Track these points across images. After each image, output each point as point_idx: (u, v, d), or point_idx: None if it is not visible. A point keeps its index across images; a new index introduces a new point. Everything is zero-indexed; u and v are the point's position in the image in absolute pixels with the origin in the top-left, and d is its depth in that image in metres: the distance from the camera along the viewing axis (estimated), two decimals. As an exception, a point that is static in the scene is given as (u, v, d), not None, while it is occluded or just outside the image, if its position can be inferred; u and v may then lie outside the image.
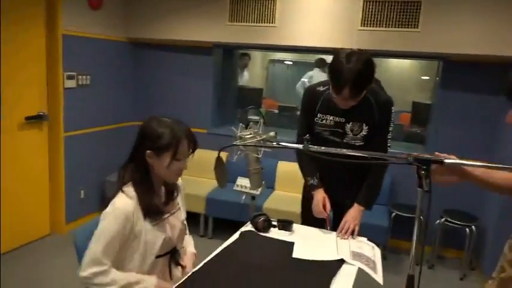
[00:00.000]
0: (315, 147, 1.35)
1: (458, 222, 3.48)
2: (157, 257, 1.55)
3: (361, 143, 2.07)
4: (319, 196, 2.14)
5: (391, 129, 2.05)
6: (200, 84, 4.38)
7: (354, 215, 2.09)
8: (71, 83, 3.66)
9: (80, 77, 3.76)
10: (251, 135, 1.70)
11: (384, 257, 3.60)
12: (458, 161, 1.32)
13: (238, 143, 1.66)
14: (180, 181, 1.73)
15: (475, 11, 3.25)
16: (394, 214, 3.65)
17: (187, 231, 1.82)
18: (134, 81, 4.55)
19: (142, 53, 4.51)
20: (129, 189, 1.50)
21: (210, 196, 3.85)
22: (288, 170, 3.98)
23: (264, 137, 1.67)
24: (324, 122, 2.09)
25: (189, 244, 1.83)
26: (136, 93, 4.57)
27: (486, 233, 3.54)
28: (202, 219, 3.91)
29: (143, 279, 1.47)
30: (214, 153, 1.65)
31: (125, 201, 1.46)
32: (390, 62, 7.79)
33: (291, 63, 8.29)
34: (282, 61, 8.48)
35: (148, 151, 1.48)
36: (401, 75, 7.63)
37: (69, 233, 3.71)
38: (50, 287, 2.95)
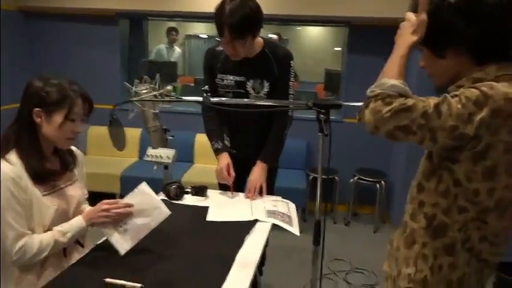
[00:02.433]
0: (215, 99, 1.29)
1: (370, 179, 3.70)
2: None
3: None
4: (224, 162, 2.07)
5: (291, 83, 2.02)
6: (106, 58, 4.10)
7: (258, 173, 2.05)
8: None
9: (-39, 50, 3.30)
10: (147, 90, 1.59)
11: (303, 220, 3.74)
12: (356, 103, 1.34)
13: (133, 99, 1.54)
14: (79, 152, 1.59)
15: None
16: (311, 177, 3.77)
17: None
18: (30, 56, 4.11)
19: (38, 24, 4.08)
20: (12, 156, 1.35)
21: (125, 174, 3.67)
22: (207, 142, 3.88)
23: (161, 91, 1.57)
24: (225, 82, 2.03)
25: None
26: (33, 69, 4.12)
27: (394, 187, 3.81)
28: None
29: (71, 226, 1.41)
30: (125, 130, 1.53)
31: (5, 166, 1.31)
32: (306, 35, 7.98)
33: (207, 37, 8.12)
34: (198, 36, 8.27)
35: (36, 109, 1.34)
36: (316, 47, 7.85)
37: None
38: None
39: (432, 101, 0.94)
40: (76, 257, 1.47)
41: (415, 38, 1.01)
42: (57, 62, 4.14)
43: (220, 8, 1.76)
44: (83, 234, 1.50)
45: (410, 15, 1.04)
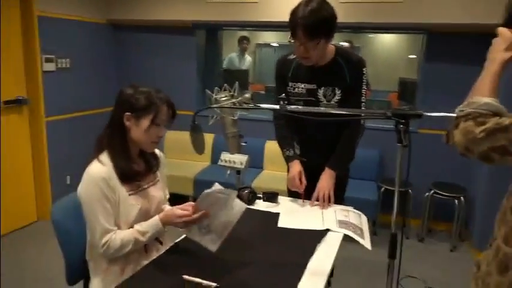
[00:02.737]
0: (292, 107, 1.31)
1: (447, 194, 3.48)
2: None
3: None
4: (295, 170, 2.06)
5: (364, 91, 1.97)
6: (184, 66, 4.31)
7: (325, 180, 2.01)
8: (49, 66, 3.57)
9: (60, 60, 3.68)
10: (226, 98, 1.65)
11: (374, 233, 3.61)
12: (437, 113, 1.29)
13: (213, 106, 1.61)
14: (161, 155, 1.71)
15: (459, -20, 3.21)
16: (383, 189, 3.64)
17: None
18: (116, 64, 4.46)
19: (123, 35, 4.42)
20: (104, 156, 1.48)
21: (198, 177, 3.82)
22: (277, 149, 3.92)
23: (239, 98, 1.62)
24: (296, 90, 2.02)
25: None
26: (119, 76, 4.48)
27: (474, 204, 3.55)
28: (191, 201, 3.87)
29: (150, 227, 1.48)
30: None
31: (97, 167, 1.44)
32: (378, 42, 7.76)
33: (277, 45, 8.21)
34: (268, 44, 8.40)
35: (127, 113, 1.46)
36: (389, 55, 7.60)
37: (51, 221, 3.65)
38: (37, 273, 2.91)
39: None
40: (155, 254, 1.56)
41: (509, 54, 0.96)
42: (139, 70, 4.45)
43: (296, 9, 1.78)
44: (161, 234, 1.58)
45: (504, 31, 0.98)
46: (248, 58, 6.20)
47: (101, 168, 1.44)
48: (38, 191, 3.70)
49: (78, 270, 1.60)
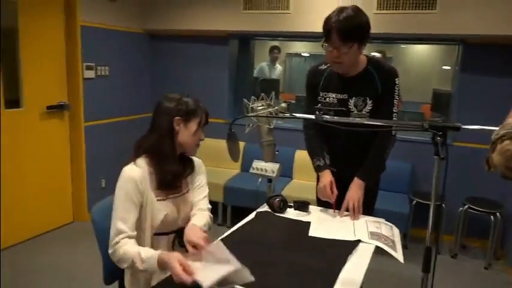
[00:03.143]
0: (327, 117, 1.33)
1: (482, 210, 3.38)
2: (160, 234, 1.55)
3: None
4: (326, 179, 2.05)
5: (396, 101, 1.96)
6: (217, 75, 4.40)
7: (354, 190, 2.00)
8: (90, 74, 3.72)
9: (99, 67, 3.83)
10: (263, 107, 1.68)
11: (405, 247, 3.54)
12: (475, 126, 1.28)
13: (250, 115, 1.65)
14: (200, 162, 1.74)
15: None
16: (415, 202, 3.57)
17: (207, 213, 1.71)
18: (152, 72, 4.61)
19: (159, 44, 4.56)
20: (141, 160, 1.53)
21: (229, 184, 3.87)
22: (306, 159, 3.92)
23: (275, 108, 1.66)
24: (327, 100, 2.03)
25: (197, 219, 1.61)
26: (154, 84, 4.62)
27: (511, 220, 3.42)
28: (221, 208, 3.93)
29: (148, 257, 1.36)
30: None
31: (132, 168, 1.50)
32: (412, 53, 7.65)
33: (308, 55, 8.24)
34: (299, 54, 8.44)
35: (177, 117, 1.53)
36: (422, 65, 7.48)
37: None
38: (73, 272, 3.02)
39: None
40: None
41: None
42: (173, 79, 4.57)
43: (331, 15, 1.82)
44: (156, 271, 1.42)
45: None
46: (279, 67, 6.25)
47: (134, 169, 1.50)
48: (75, 193, 3.85)
49: (114, 270, 1.62)
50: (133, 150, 1.57)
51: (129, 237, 1.44)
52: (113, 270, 1.62)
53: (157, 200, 1.52)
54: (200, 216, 1.64)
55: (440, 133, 1.21)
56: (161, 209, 1.52)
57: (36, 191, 3.47)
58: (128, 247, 1.41)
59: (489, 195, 3.56)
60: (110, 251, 1.45)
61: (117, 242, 1.42)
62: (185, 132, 1.55)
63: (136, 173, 1.49)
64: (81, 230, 3.68)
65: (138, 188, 1.47)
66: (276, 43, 6.20)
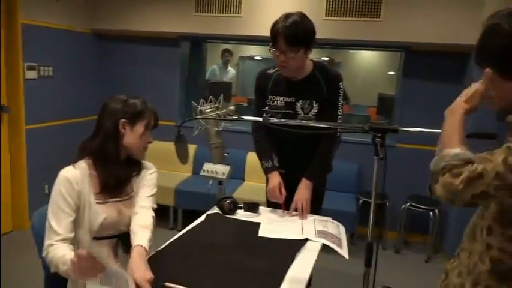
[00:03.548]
0: (274, 119, 1.36)
1: (422, 207, 3.59)
2: (101, 238, 1.51)
3: None
4: (275, 181, 2.09)
5: (340, 105, 2.05)
6: (168, 77, 4.34)
7: (302, 191, 2.06)
8: (31, 74, 3.54)
9: (42, 68, 3.66)
10: (211, 109, 1.70)
11: (352, 244, 3.67)
12: (413, 129, 1.37)
13: (198, 117, 1.65)
14: (150, 165, 1.68)
15: (435, 2, 3.37)
16: (361, 201, 3.72)
17: (151, 212, 1.61)
18: (99, 73, 4.46)
19: (107, 45, 4.42)
20: (82, 162, 1.50)
21: (180, 188, 3.83)
22: (257, 161, 3.98)
23: (224, 110, 1.68)
24: (275, 103, 2.09)
25: (138, 237, 1.44)
26: (101, 86, 4.46)
27: (448, 216, 3.67)
28: (172, 212, 3.88)
29: (67, 260, 1.29)
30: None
31: (68, 170, 1.47)
32: (359, 59, 7.96)
33: (261, 59, 8.33)
34: (252, 57, 8.51)
35: (122, 120, 1.49)
36: (369, 71, 7.80)
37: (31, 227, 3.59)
38: (12, 283, 2.85)
39: (498, 156, 0.92)
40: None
41: (467, 106, 1.06)
42: (122, 80, 4.44)
43: (278, 20, 1.89)
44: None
45: (466, 91, 1.09)
46: (232, 71, 6.26)
47: (70, 170, 1.46)
48: (15, 200, 3.64)
49: (57, 281, 1.55)
50: (77, 153, 1.53)
51: (64, 239, 1.40)
52: (56, 281, 1.54)
53: (97, 203, 1.48)
54: (143, 216, 1.51)
55: (380, 135, 1.28)
56: (100, 212, 1.48)
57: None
58: (57, 251, 1.36)
59: (428, 193, 3.77)
60: (43, 254, 1.41)
61: (51, 245, 1.38)
62: (131, 135, 1.52)
63: (71, 173, 1.45)
64: (21, 240, 3.48)
65: (74, 189, 1.44)
66: (228, 46, 6.22)
